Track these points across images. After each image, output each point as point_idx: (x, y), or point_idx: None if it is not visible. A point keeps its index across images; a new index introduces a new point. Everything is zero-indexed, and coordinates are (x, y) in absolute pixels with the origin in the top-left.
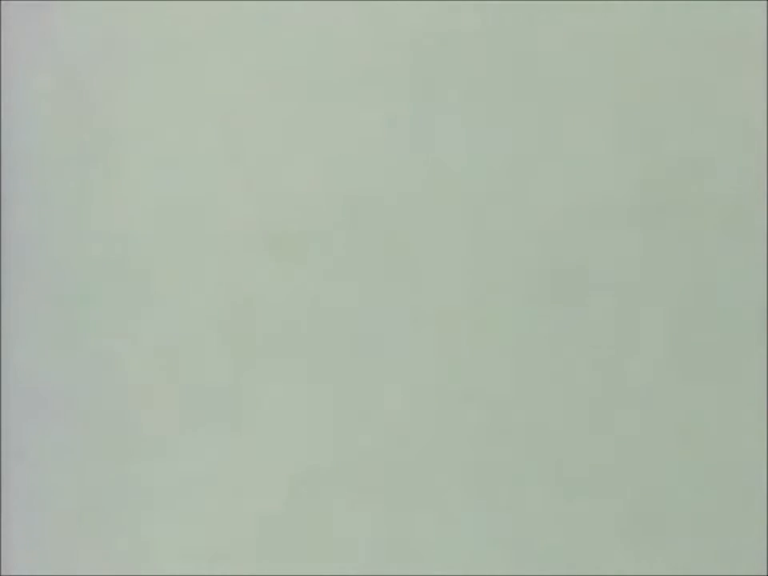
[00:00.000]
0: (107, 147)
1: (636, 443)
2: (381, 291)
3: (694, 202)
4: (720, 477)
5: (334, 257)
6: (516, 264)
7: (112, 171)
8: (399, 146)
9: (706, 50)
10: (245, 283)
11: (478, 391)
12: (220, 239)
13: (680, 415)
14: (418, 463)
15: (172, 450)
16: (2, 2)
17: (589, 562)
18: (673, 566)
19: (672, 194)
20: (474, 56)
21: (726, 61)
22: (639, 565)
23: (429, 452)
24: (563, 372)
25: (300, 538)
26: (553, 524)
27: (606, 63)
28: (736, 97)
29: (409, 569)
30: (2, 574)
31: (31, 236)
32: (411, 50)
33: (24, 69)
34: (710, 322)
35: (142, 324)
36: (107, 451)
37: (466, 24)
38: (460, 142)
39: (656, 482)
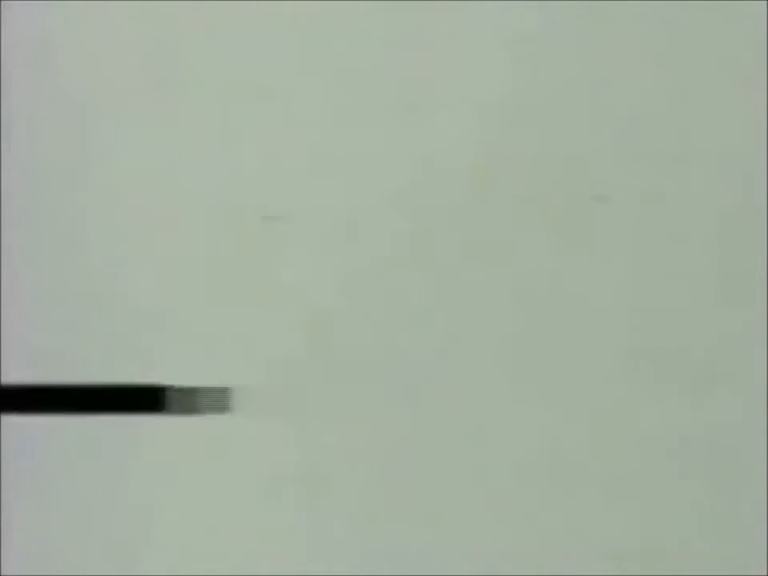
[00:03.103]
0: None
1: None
2: None
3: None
4: (719, 473)
5: None
6: None
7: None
8: None
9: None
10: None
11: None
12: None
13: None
14: None
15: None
16: (2, 2)
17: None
18: (672, 565)
19: None
20: None
21: (727, 63)
22: (634, 564)
23: None
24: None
25: None
26: None
27: None
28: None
29: None
30: (2, 574)
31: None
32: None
33: (22, 72)
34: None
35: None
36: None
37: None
38: None
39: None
